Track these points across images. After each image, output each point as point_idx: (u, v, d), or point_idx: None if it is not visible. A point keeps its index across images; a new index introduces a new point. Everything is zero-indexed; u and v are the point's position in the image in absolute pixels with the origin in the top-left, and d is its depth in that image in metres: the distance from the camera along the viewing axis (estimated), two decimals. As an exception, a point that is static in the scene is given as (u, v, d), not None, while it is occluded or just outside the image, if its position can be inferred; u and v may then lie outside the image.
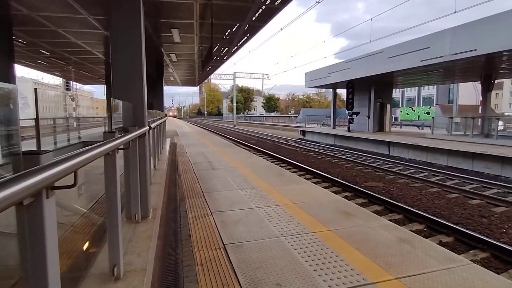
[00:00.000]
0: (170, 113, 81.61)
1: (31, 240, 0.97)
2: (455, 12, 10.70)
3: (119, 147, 2.01)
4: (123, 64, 4.10)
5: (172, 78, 20.54)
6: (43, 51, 10.94)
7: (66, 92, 22.47)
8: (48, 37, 8.84)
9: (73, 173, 1.17)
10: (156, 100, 12.83)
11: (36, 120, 1.84)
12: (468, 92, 42.98)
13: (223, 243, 2.99)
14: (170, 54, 11.83)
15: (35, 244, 0.97)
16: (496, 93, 62.66)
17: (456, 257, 2.75)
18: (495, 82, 15.93)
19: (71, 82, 22.52)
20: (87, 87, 30.42)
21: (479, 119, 15.11)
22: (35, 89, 1.44)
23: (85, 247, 2.25)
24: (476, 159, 10.67)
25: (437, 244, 3.46)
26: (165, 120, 10.25)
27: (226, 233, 3.22)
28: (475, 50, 10.50)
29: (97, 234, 2.29)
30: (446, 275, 2.40)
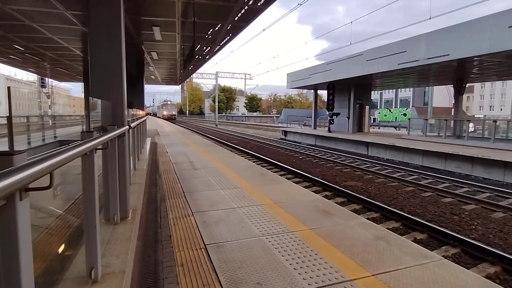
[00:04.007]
0: (165, 113, 52.93)
1: (3, 244, 0.94)
2: (429, 18, 11.14)
3: (98, 147, 1.97)
4: (102, 61, 3.99)
5: (153, 77, 20.15)
6: (17, 46, 10.45)
7: (41, 89, 21.55)
8: (22, 31, 8.46)
9: (49, 174, 1.14)
10: (137, 98, 12.54)
11: (9, 118, 1.78)
12: (441, 95, 44.84)
13: (204, 243, 2.98)
14: (151, 52, 11.61)
15: (7, 247, 0.94)
16: (468, 96, 65.80)
17: (429, 253, 2.87)
18: (467, 85, 16.71)
19: (47, 78, 21.63)
20: (63, 84, 29.27)
21: (452, 121, 15.80)
22: (8, 87, 1.39)
23: (61, 249, 2.19)
24: (448, 159, 11.15)
25: (411, 241, 3.62)
26: (145, 119, 10.05)
27: (207, 233, 3.21)
28: (448, 55, 10.98)
29: (73, 236, 2.23)
30: (419, 270, 2.50)
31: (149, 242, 3.20)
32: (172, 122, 40.95)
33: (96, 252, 1.85)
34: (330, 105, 20.41)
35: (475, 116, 43.15)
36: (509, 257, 4.23)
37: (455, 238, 4.92)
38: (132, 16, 7.17)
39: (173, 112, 56.23)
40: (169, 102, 59.23)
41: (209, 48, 11.18)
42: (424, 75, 16.11)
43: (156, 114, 63.79)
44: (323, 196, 5.82)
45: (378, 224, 4.52)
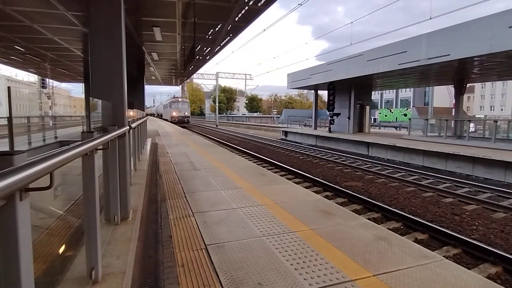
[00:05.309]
0: (175, 113, 37.98)
1: (4, 244, 0.94)
2: (430, 18, 11.14)
3: (98, 147, 1.97)
4: (102, 62, 4.00)
5: (153, 77, 20.20)
6: (17, 47, 10.48)
7: (42, 90, 21.60)
8: (22, 32, 8.48)
9: (49, 174, 1.14)
10: (137, 99, 12.56)
11: (9, 119, 1.78)
12: (442, 95, 44.84)
13: (204, 244, 2.98)
14: (152, 53, 11.63)
15: (7, 248, 0.94)
16: (468, 96, 65.81)
17: (430, 254, 2.86)
18: (467, 86, 16.69)
19: (47, 79, 21.68)
20: (64, 85, 29.36)
21: (452, 121, 15.78)
22: (9, 88, 1.39)
23: (61, 250, 2.18)
24: (449, 159, 11.13)
25: (412, 241, 3.60)
26: (146, 120, 10.05)
27: (207, 234, 3.20)
28: (449, 55, 10.96)
29: (74, 237, 2.23)
30: (420, 271, 2.50)
31: (150, 243, 3.19)
32: (183, 127, 30.22)
33: (97, 253, 1.85)
34: (330, 105, 20.39)
35: (476, 116, 43.13)
36: (510, 258, 4.22)
37: (456, 238, 4.91)
38: (133, 17, 7.18)
39: (186, 113, 39.21)
40: (180, 99, 41.13)
41: (209, 48, 11.20)
42: (424, 75, 16.09)
43: (161, 115, 49.42)
44: (323, 197, 5.81)
45: (379, 224, 4.51)
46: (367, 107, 20.50)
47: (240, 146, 17.16)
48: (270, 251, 2.80)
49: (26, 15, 7.00)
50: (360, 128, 20.21)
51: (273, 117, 62.37)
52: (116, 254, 2.24)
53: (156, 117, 55.07)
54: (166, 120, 40.31)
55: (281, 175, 8.90)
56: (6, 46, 10.41)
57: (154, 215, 4.00)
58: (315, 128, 24.17)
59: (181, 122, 36.71)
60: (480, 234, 5.37)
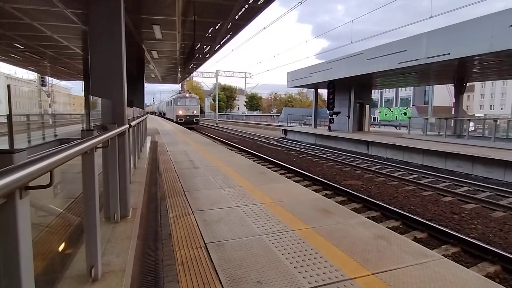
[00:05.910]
0: (181, 112, 31.21)
1: (4, 242, 0.94)
2: (430, 17, 11.12)
3: (98, 146, 1.97)
4: (102, 60, 4.00)
5: (153, 75, 20.17)
6: (17, 45, 10.46)
7: (42, 87, 21.58)
8: (22, 30, 8.46)
9: (49, 172, 1.14)
10: (137, 97, 12.55)
11: (9, 116, 1.77)
12: (442, 94, 44.83)
13: (204, 242, 2.98)
14: (151, 51, 11.61)
15: (7, 246, 0.94)
16: (468, 96, 65.79)
17: (429, 252, 2.87)
18: (467, 85, 16.67)
19: (47, 77, 21.65)
20: (63, 83, 29.35)
21: (452, 120, 15.78)
22: (8, 86, 1.39)
23: (61, 248, 2.19)
24: (449, 158, 11.15)
25: (412, 240, 3.61)
26: (145, 118, 10.04)
27: (207, 232, 3.21)
28: (449, 54, 10.95)
29: (74, 235, 2.23)
30: (419, 269, 2.50)
31: (150, 241, 3.20)
32: (190, 128, 25.17)
33: (97, 251, 1.85)
34: (330, 104, 20.39)
35: (476, 115, 43.14)
36: (509, 256, 4.23)
37: (455, 237, 4.92)
38: (133, 15, 7.16)
39: (195, 111, 32.36)
40: (187, 95, 33.53)
41: (209, 46, 11.18)
42: (424, 74, 16.08)
43: (164, 113, 43.61)
44: (323, 195, 5.82)
45: (378, 223, 4.53)
46: (367, 106, 20.50)
47: (240, 145, 17.16)
48: (269, 250, 2.81)
49: (26, 13, 6.98)
50: (360, 127, 20.22)
51: (273, 115, 62.32)
52: (116, 252, 2.25)
53: (157, 115, 53.33)
54: (170, 120, 34.13)
55: (280, 174, 8.91)
56: (6, 44, 10.39)
57: (154, 213, 4.01)
58: (315, 127, 24.17)
59: (189, 122, 30.33)
60: (479, 233, 5.38)
